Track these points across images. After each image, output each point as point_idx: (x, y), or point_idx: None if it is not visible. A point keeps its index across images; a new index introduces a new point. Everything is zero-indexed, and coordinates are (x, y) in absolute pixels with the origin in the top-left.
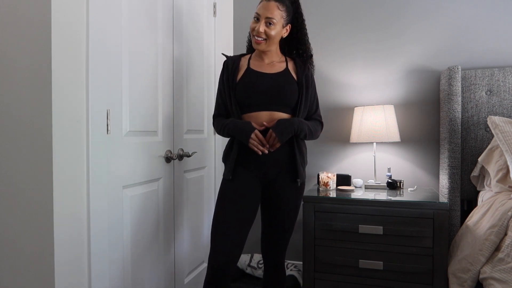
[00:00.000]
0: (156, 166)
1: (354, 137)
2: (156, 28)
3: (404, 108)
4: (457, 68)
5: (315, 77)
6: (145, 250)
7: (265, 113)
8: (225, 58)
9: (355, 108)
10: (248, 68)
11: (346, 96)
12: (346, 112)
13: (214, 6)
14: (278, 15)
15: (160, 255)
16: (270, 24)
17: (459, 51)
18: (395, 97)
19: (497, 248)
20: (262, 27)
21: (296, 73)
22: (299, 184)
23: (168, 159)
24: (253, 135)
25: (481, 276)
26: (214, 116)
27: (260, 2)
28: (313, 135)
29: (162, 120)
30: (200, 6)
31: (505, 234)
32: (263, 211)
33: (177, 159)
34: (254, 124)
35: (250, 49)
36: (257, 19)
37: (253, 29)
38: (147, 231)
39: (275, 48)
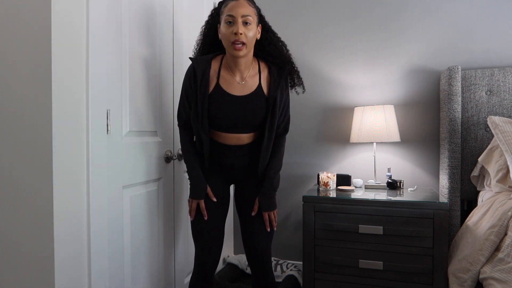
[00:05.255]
0: (156, 166)
1: (354, 137)
2: (156, 27)
3: (404, 108)
4: (457, 68)
5: (314, 77)
6: (145, 250)
7: (233, 136)
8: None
9: (355, 108)
10: (217, 85)
11: (346, 96)
12: (346, 112)
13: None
14: (252, 12)
15: (160, 254)
16: (247, 23)
17: (459, 51)
18: (395, 97)
19: (497, 248)
20: (241, 29)
21: (269, 88)
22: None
23: (168, 159)
24: (198, 203)
25: (481, 276)
26: (181, 127)
27: (225, 4)
28: (280, 170)
29: (162, 120)
30: (200, 6)
31: (505, 234)
32: (237, 207)
33: (177, 159)
34: (208, 191)
35: (204, 54)
36: (230, 22)
37: (230, 34)
38: (147, 231)
39: (251, 54)
